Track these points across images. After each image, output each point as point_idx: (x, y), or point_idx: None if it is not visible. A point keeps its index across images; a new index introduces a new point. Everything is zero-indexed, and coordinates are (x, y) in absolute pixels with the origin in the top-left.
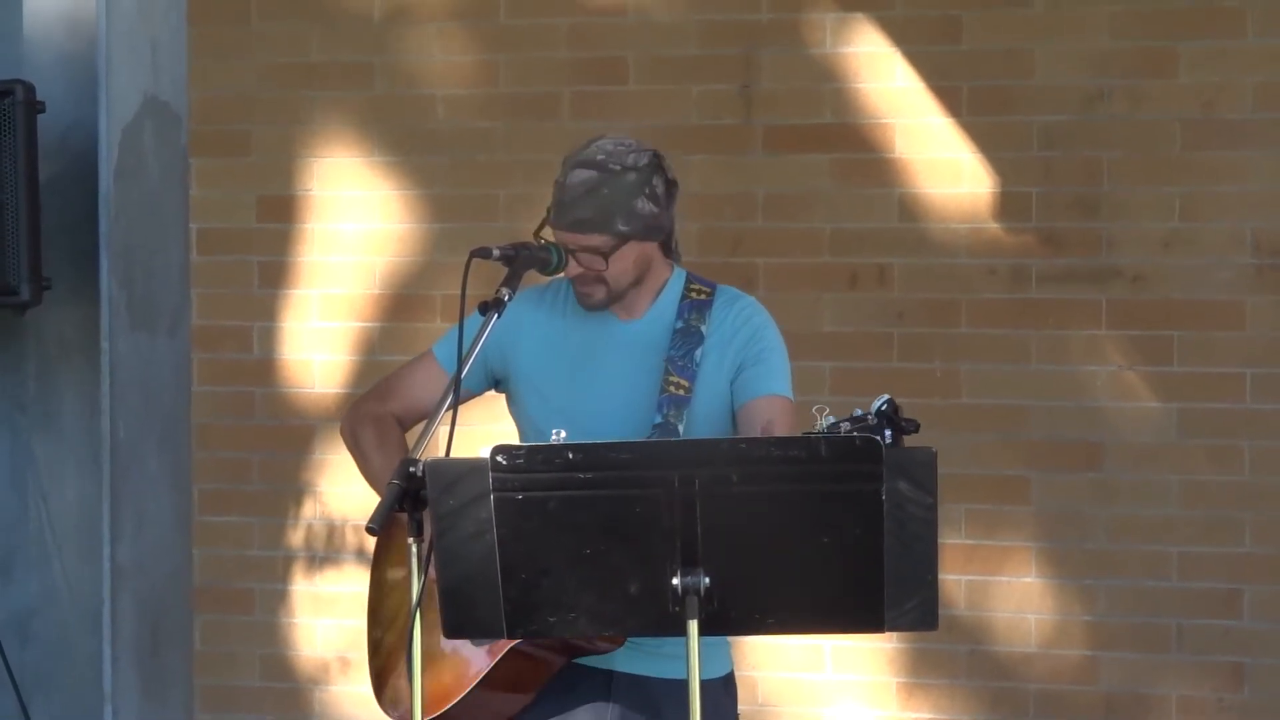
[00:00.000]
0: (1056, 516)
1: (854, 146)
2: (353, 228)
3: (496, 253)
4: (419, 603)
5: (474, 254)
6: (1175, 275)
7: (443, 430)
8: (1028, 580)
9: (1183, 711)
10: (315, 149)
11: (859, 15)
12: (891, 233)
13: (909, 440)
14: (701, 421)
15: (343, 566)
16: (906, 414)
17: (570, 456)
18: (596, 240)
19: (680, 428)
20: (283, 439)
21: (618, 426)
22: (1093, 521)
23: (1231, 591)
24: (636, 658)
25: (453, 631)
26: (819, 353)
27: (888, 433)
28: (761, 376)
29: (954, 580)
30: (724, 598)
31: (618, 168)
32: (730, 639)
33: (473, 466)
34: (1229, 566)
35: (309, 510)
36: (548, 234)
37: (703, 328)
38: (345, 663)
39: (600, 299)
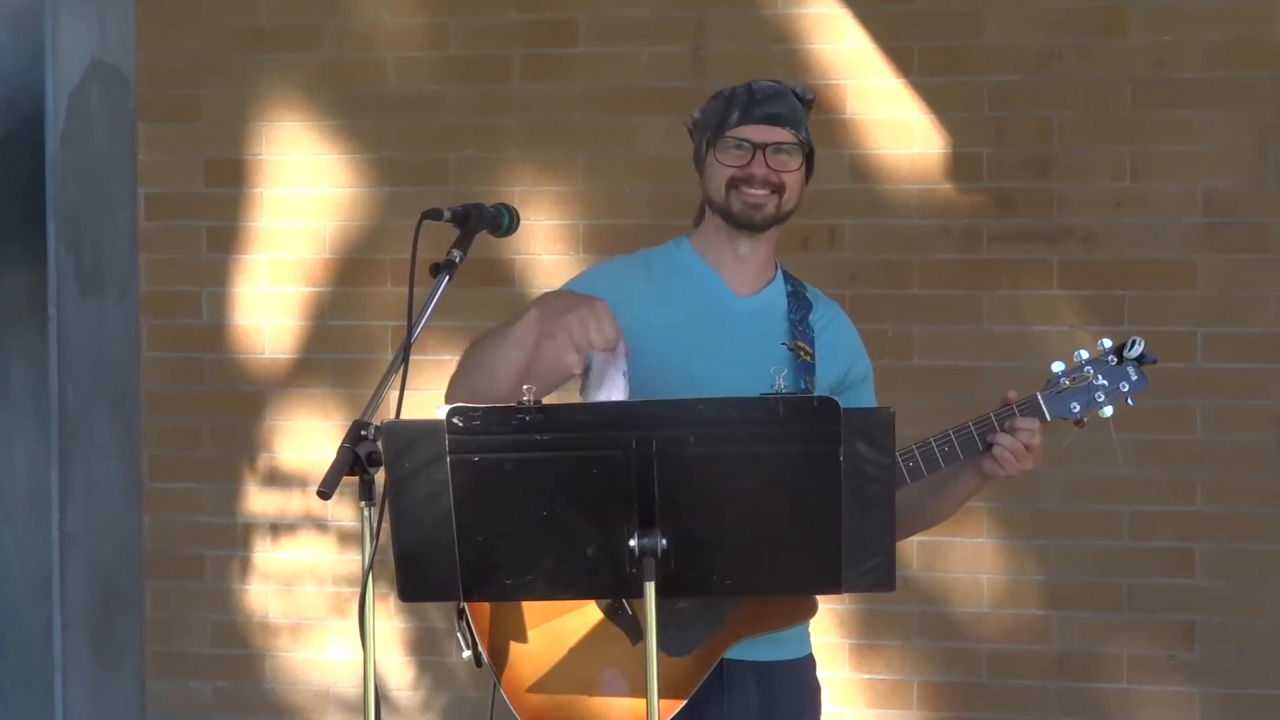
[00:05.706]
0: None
1: None
2: (302, 192)
3: (448, 214)
4: (370, 567)
5: (425, 216)
6: (1127, 235)
7: (393, 394)
8: (980, 540)
9: (1134, 669)
10: (264, 113)
11: None
12: (843, 194)
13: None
14: (823, 391)
15: (295, 532)
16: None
17: (527, 418)
18: (790, 135)
19: None
20: (233, 404)
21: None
22: (1045, 481)
23: (1182, 550)
24: (741, 645)
25: (407, 595)
26: None
27: (1130, 368)
28: (863, 400)
29: (906, 541)
30: (681, 559)
31: (791, 91)
32: (810, 629)
33: (429, 428)
34: (1180, 525)
35: (260, 476)
36: (507, 197)
37: (806, 294)
38: (297, 628)
39: (769, 213)
